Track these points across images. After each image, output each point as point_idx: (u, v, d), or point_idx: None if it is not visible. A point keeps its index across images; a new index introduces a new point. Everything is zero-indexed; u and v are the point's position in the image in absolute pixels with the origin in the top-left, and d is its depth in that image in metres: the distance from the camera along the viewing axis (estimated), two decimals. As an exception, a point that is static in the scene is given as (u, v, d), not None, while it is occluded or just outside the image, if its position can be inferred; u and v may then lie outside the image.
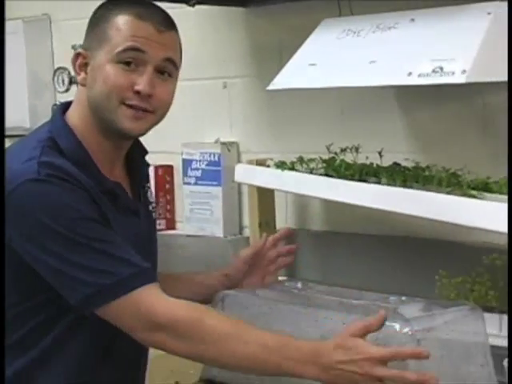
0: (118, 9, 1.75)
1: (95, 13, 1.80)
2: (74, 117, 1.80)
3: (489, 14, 1.94)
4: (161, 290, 1.70)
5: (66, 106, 1.84)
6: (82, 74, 1.77)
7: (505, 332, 2.02)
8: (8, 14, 3.34)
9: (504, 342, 1.96)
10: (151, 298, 1.67)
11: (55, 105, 3.12)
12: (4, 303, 1.74)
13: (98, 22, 1.77)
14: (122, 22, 1.73)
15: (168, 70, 1.77)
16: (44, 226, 1.65)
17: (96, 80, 1.74)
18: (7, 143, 2.75)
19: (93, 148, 1.77)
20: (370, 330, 1.63)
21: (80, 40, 1.82)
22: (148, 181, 1.97)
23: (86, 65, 1.77)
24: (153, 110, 1.75)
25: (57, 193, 1.66)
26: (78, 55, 1.78)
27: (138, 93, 1.73)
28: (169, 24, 1.77)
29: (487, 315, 1.85)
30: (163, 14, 1.79)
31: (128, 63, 1.72)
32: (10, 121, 3.30)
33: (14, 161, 1.72)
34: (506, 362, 1.78)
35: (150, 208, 1.94)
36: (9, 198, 1.66)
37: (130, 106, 1.74)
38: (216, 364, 1.80)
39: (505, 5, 1.96)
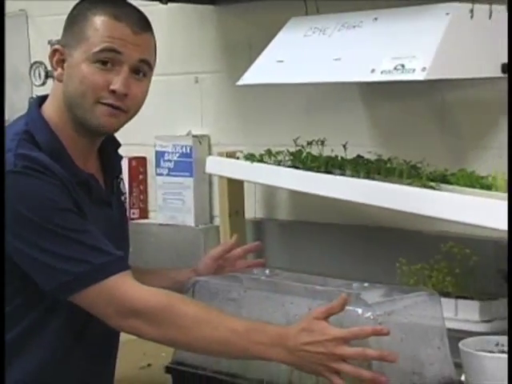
0: (95, 8, 1.74)
1: (73, 10, 1.78)
2: (49, 110, 1.79)
3: (447, 14, 1.97)
4: (133, 278, 1.70)
5: (42, 99, 1.83)
6: (59, 70, 1.76)
7: (460, 316, 2.05)
8: (-15, 10, 3.36)
9: (459, 326, 2.00)
10: (125, 285, 1.67)
11: (32, 98, 3.11)
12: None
13: (75, 19, 1.76)
14: (99, 22, 1.72)
15: (143, 70, 1.76)
16: (21, 216, 1.64)
17: (72, 78, 1.73)
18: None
19: (67, 141, 1.76)
20: (333, 312, 1.64)
21: (56, 35, 1.82)
22: (121, 172, 1.96)
23: (62, 61, 1.75)
24: (126, 109, 1.75)
25: (33, 184, 1.65)
26: (55, 51, 1.76)
27: (113, 92, 1.72)
28: (145, 25, 1.76)
29: (444, 300, 1.86)
30: (139, 15, 1.77)
31: (104, 63, 1.71)
32: (-12, 113, 3.31)
33: None
34: (461, 345, 1.82)
35: (122, 199, 1.94)
36: None
37: (105, 105, 1.73)
38: (188, 348, 1.80)
39: (461, 6, 1.98)
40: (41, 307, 1.73)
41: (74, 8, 1.79)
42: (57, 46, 1.76)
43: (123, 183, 1.96)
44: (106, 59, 1.72)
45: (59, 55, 1.76)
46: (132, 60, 1.73)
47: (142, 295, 1.68)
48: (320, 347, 1.60)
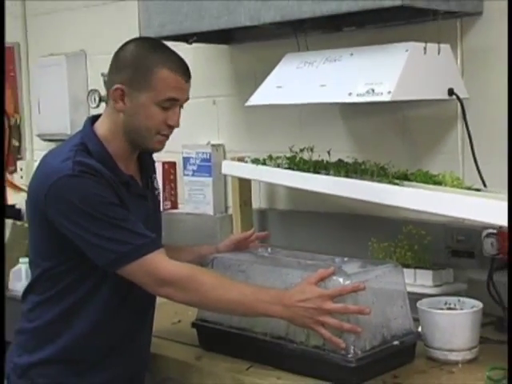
0: (156, 60, 1.72)
1: (132, 55, 1.74)
2: (102, 128, 1.78)
3: (406, 51, 1.96)
4: (165, 255, 1.70)
5: (94, 118, 1.83)
6: (121, 104, 1.74)
7: (418, 282, 2.05)
8: (54, 50, 3.35)
9: (416, 289, 2.00)
10: (159, 261, 1.68)
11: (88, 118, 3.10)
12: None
13: (138, 66, 1.73)
14: (163, 75, 1.71)
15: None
16: (78, 208, 1.65)
17: (139, 114, 1.73)
18: (53, 145, 2.73)
19: (114, 151, 1.76)
20: (322, 278, 1.65)
21: (106, 69, 1.81)
22: (155, 172, 1.96)
23: (123, 96, 1.73)
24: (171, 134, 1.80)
25: (86, 184, 1.66)
26: (117, 89, 1.73)
27: (170, 126, 1.75)
28: (189, 73, 1.78)
29: (405, 270, 1.87)
30: (186, 63, 1.78)
31: (166, 106, 1.74)
32: (56, 128, 3.31)
33: (55, 160, 1.71)
34: (418, 304, 1.82)
35: (156, 193, 1.94)
36: (51, 189, 1.66)
37: (162, 135, 1.77)
38: (207, 308, 1.82)
39: (417, 44, 1.98)
40: (92, 279, 1.74)
41: (132, 53, 1.75)
42: (120, 86, 1.73)
43: (156, 181, 1.96)
44: (168, 104, 1.74)
45: (121, 92, 1.73)
46: (183, 101, 1.78)
47: (171, 268, 1.68)
48: (310, 303, 1.61)
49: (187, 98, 1.79)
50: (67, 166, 1.66)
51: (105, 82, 3.14)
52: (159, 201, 1.97)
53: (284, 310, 1.63)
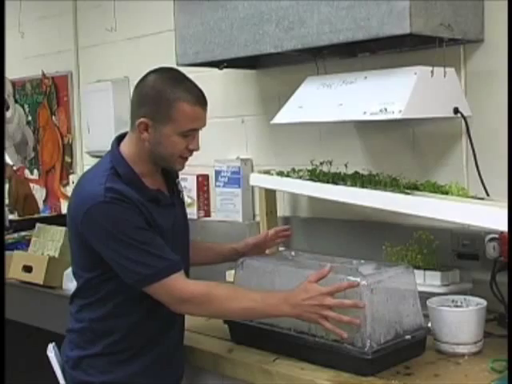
0: (176, 94, 1.70)
1: (154, 90, 1.71)
2: (127, 151, 1.77)
3: (415, 74, 1.95)
4: (184, 276, 1.70)
5: (120, 138, 1.82)
6: (145, 134, 1.73)
7: (427, 282, 2.03)
8: (101, 77, 3.40)
9: (426, 289, 1.98)
10: (177, 283, 1.67)
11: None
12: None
13: (159, 101, 1.70)
14: (185, 109, 1.70)
15: None
16: (109, 232, 1.65)
17: (162, 144, 1.72)
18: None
19: (141, 170, 1.76)
20: (322, 277, 1.66)
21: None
22: (177, 177, 1.92)
23: (147, 127, 1.73)
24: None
25: (117, 210, 1.65)
26: (142, 123, 1.72)
27: (191, 150, 1.76)
28: (206, 101, 1.76)
29: (416, 271, 1.85)
30: (203, 92, 1.75)
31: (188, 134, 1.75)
32: (103, 146, 3.28)
33: (90, 184, 1.72)
34: (428, 302, 1.81)
35: (181, 196, 1.93)
36: (86, 215, 1.67)
37: (184, 158, 1.77)
38: (225, 318, 1.84)
39: (425, 68, 1.97)
40: (127, 290, 1.72)
41: (154, 88, 1.72)
42: (143, 120, 1.72)
43: (180, 184, 1.94)
44: (189, 133, 1.74)
45: (145, 125, 1.73)
46: (201, 127, 1.77)
47: (189, 288, 1.68)
48: (314, 301, 1.62)
49: (205, 124, 1.78)
50: (99, 192, 1.66)
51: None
52: (184, 202, 1.95)
53: (291, 309, 1.64)
